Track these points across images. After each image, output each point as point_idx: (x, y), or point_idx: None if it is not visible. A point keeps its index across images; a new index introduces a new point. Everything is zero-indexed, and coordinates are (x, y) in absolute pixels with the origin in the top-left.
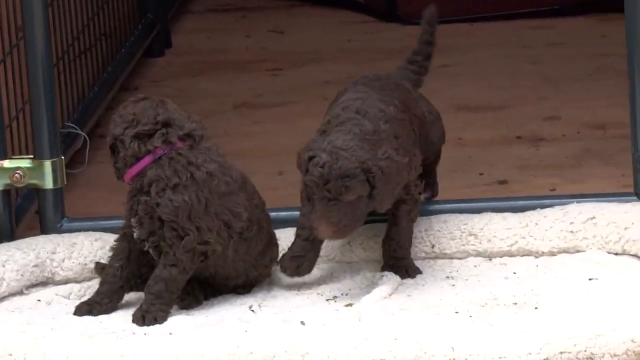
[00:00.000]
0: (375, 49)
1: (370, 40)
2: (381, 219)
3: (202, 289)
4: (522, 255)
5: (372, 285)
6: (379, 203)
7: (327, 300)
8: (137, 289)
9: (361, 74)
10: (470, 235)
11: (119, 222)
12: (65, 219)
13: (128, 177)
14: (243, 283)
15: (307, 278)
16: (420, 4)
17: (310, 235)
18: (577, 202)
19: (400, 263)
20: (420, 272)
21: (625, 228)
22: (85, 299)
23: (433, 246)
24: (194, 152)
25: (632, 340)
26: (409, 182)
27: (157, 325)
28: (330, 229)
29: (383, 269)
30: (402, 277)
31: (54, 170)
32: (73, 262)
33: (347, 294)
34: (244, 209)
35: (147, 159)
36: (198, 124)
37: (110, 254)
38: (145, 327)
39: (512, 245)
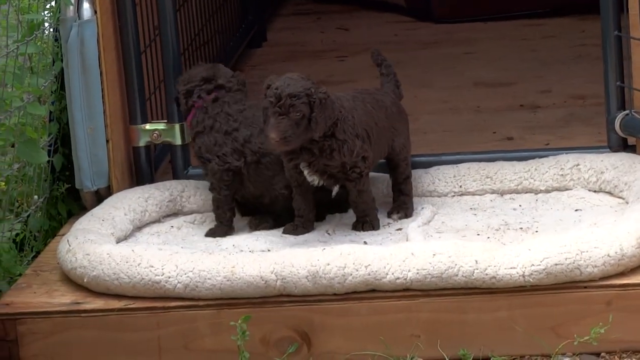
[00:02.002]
0: (414, 41)
1: (410, 35)
2: None
3: (267, 215)
4: (526, 192)
5: (415, 215)
6: (314, 125)
7: (383, 226)
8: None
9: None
10: (487, 177)
11: None
12: (190, 167)
13: (188, 125)
14: (270, 201)
15: None
16: (449, 7)
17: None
18: (566, 153)
19: (364, 219)
20: (378, 228)
21: (602, 172)
22: (205, 224)
23: (461, 186)
24: (219, 103)
25: (608, 255)
26: (345, 164)
27: (259, 244)
28: (279, 137)
29: (354, 225)
30: (366, 229)
31: (182, 131)
32: (197, 198)
33: (397, 221)
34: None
35: (192, 111)
36: (234, 78)
37: None
38: (249, 245)
39: (518, 185)
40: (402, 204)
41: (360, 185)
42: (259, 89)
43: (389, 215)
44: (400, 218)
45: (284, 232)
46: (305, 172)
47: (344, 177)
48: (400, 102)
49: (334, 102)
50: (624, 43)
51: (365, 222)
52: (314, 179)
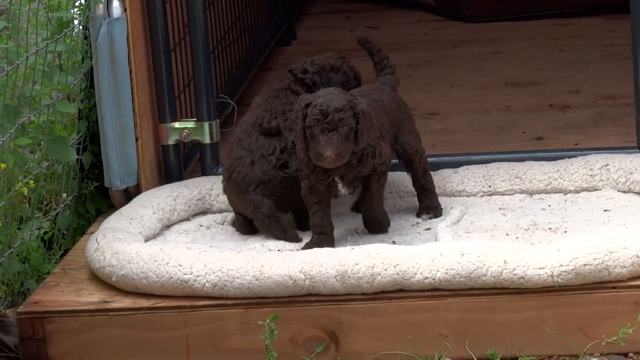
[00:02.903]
0: (443, 40)
1: (440, 34)
2: None
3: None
4: (555, 193)
5: (444, 215)
6: (360, 137)
7: (411, 225)
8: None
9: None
10: (517, 177)
11: None
12: (219, 165)
13: None
14: (299, 207)
15: (397, 209)
16: (477, 7)
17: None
18: (595, 153)
19: (375, 219)
20: (389, 225)
21: (631, 172)
22: None
23: (490, 186)
24: None
25: (637, 256)
26: (374, 164)
27: (288, 244)
28: (333, 153)
29: (363, 223)
30: (376, 231)
31: (211, 130)
32: (225, 197)
33: (426, 221)
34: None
35: None
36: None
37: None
38: (278, 244)
39: (547, 185)
40: (429, 204)
41: (383, 179)
42: None
43: (418, 215)
44: (430, 218)
45: (304, 249)
46: (339, 185)
47: (371, 172)
48: (397, 92)
49: (370, 111)
50: None
51: (376, 223)
52: (345, 190)
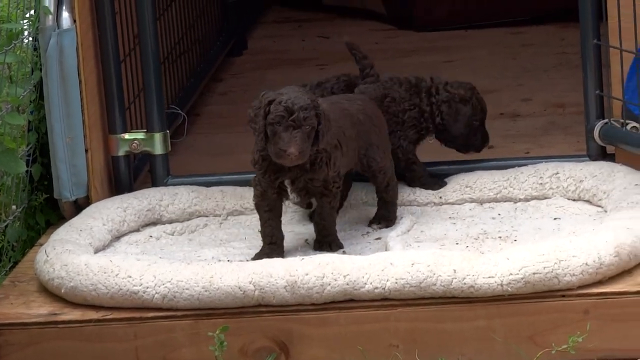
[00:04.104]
0: (395, 49)
1: (391, 43)
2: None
3: None
4: (505, 201)
5: (395, 224)
6: (321, 137)
7: (362, 235)
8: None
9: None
10: (467, 187)
11: (211, 178)
12: (170, 176)
13: None
14: None
15: (348, 218)
16: (429, 16)
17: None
18: (545, 161)
19: (326, 240)
20: (342, 247)
21: (581, 181)
22: (184, 235)
23: (440, 197)
24: None
25: (586, 264)
26: (327, 178)
27: (238, 255)
28: (297, 150)
29: (314, 245)
30: (327, 250)
31: (161, 140)
32: (175, 207)
33: (376, 231)
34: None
35: None
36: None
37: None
38: (229, 256)
39: (497, 193)
40: (384, 215)
41: (335, 201)
42: (239, 98)
43: (370, 224)
44: (380, 228)
45: (254, 259)
46: (289, 190)
47: (322, 191)
48: (374, 102)
49: (329, 114)
50: (603, 51)
51: (326, 243)
52: (295, 197)
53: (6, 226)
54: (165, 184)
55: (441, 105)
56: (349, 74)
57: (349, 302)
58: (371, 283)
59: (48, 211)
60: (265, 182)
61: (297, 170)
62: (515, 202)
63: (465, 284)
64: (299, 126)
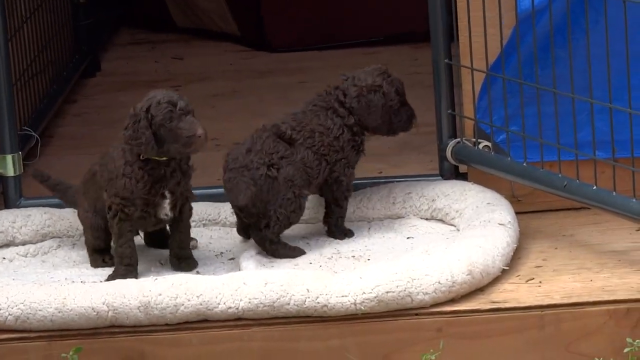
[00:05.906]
0: (249, 70)
1: (246, 64)
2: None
3: None
4: (359, 221)
5: (248, 244)
6: None
7: (215, 255)
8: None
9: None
10: (320, 206)
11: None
12: (22, 198)
13: None
14: None
15: (201, 241)
16: (283, 37)
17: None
18: (398, 181)
19: (184, 256)
20: (196, 265)
21: (433, 200)
22: (37, 257)
23: None
24: None
25: (439, 282)
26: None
27: (92, 276)
28: (204, 130)
29: (172, 262)
30: (183, 270)
31: (13, 162)
32: (28, 229)
33: (230, 251)
34: None
35: None
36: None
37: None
38: (82, 277)
39: (351, 213)
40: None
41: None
42: (92, 120)
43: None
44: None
45: (108, 280)
46: (167, 202)
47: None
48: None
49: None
50: (455, 71)
51: (185, 260)
52: (169, 210)
53: None
54: (18, 206)
55: (352, 102)
56: None
57: (202, 322)
58: (225, 303)
59: None
60: (144, 195)
61: (177, 175)
62: (369, 222)
63: (318, 303)
64: (188, 112)
